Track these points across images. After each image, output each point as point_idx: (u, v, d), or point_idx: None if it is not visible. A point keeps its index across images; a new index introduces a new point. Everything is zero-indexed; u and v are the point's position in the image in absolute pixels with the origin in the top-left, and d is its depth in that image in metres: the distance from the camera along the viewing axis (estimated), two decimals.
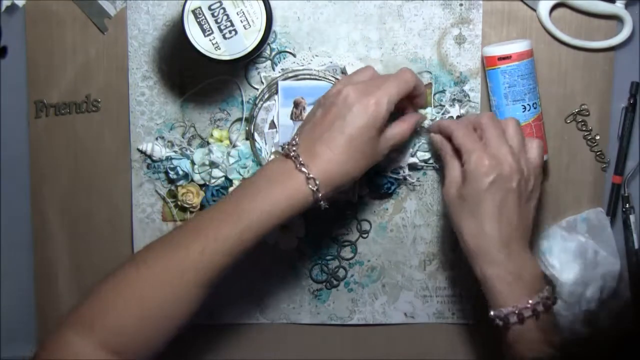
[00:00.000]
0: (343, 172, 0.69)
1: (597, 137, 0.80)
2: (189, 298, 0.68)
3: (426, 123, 0.79)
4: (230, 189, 0.80)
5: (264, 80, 0.80)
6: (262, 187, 0.68)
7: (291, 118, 0.79)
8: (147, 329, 0.67)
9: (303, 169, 0.67)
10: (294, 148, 0.69)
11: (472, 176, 0.69)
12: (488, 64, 0.77)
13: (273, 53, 0.80)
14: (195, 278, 0.67)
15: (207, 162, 0.79)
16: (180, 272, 0.67)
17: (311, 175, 0.67)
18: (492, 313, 0.68)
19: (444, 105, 0.79)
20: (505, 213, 0.69)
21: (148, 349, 0.68)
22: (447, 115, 0.79)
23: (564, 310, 0.77)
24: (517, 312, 0.66)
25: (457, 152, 0.73)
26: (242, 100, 0.80)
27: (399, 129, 0.73)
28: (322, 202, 0.68)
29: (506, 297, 0.67)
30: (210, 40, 0.72)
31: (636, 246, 0.82)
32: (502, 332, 0.69)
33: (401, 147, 0.79)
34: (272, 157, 0.79)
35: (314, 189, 0.67)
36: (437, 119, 0.79)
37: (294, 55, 0.80)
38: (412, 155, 0.79)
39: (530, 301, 0.67)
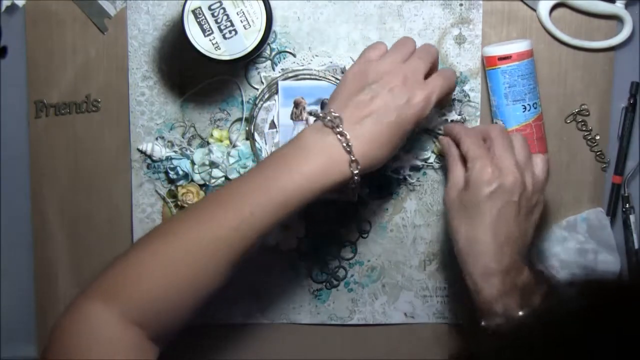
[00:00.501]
0: (379, 156, 0.68)
1: (597, 137, 0.80)
2: (219, 273, 0.66)
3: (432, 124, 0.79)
4: None
5: (264, 80, 0.80)
6: (300, 161, 0.66)
7: (291, 118, 0.79)
8: (173, 303, 0.65)
9: (349, 150, 0.66)
10: (340, 123, 0.66)
11: (474, 183, 0.69)
12: (488, 64, 0.77)
13: (273, 53, 0.80)
14: (228, 254, 0.65)
15: (207, 162, 0.79)
16: (212, 247, 0.65)
17: (354, 158, 0.66)
18: (483, 323, 0.67)
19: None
20: (502, 223, 0.69)
21: (173, 323, 0.66)
22: (445, 117, 0.79)
23: None
24: (507, 322, 0.65)
25: (463, 158, 0.73)
26: (242, 100, 0.80)
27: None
28: (353, 184, 0.67)
29: (496, 306, 0.67)
30: (210, 40, 0.72)
31: (636, 246, 0.82)
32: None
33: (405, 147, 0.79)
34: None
35: (355, 172, 0.66)
36: (437, 119, 0.79)
37: (294, 55, 0.80)
38: (415, 157, 0.79)
39: (521, 313, 0.66)
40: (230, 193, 0.68)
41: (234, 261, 0.66)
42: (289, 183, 0.65)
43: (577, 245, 0.80)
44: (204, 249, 0.65)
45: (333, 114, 0.67)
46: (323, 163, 0.66)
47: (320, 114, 0.68)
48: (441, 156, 0.80)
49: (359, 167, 0.66)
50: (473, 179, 0.70)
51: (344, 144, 0.66)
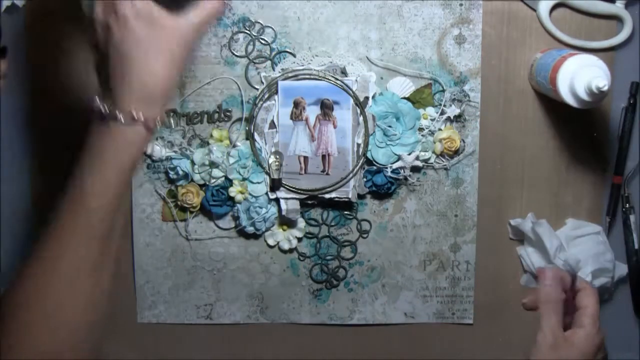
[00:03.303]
0: (162, 76, 0.59)
1: (597, 137, 0.80)
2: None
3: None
4: (230, 189, 0.80)
5: (264, 80, 0.80)
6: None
7: (291, 118, 0.79)
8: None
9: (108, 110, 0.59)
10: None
11: (586, 340, 0.66)
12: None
13: (273, 53, 0.80)
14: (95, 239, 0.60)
15: (207, 162, 0.79)
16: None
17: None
18: None
19: (444, 106, 0.79)
20: None
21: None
22: (445, 116, 0.79)
23: None
24: None
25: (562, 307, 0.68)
26: (242, 100, 0.80)
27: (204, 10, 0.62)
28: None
29: None
30: None
31: (636, 246, 0.82)
32: None
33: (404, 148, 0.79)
34: (271, 157, 0.79)
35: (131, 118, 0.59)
36: (436, 118, 0.79)
37: (294, 55, 0.80)
38: (415, 157, 0.79)
39: None
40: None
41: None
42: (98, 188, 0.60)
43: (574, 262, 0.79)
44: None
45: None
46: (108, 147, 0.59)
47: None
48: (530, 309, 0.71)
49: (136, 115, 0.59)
50: (585, 336, 0.66)
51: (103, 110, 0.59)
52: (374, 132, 0.79)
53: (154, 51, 0.59)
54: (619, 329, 0.84)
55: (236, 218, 0.81)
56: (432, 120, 0.79)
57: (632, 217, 0.82)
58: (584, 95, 0.69)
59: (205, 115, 0.80)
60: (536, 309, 0.67)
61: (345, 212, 0.82)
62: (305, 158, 0.80)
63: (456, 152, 0.80)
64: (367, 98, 0.79)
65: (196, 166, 0.80)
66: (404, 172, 0.80)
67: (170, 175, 0.81)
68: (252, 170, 0.80)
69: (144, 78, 0.59)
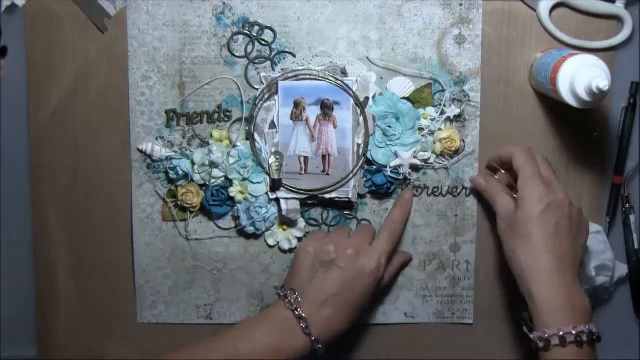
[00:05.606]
0: (344, 330, 0.74)
1: (597, 137, 0.80)
2: None
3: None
4: (230, 189, 0.80)
5: (264, 80, 0.80)
6: (263, 333, 0.72)
7: (291, 118, 0.79)
8: None
9: (308, 332, 0.72)
10: (298, 308, 0.72)
11: (528, 201, 0.70)
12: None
13: (273, 53, 0.79)
14: None
15: (207, 162, 0.79)
16: None
17: (314, 338, 0.72)
18: (534, 334, 0.67)
19: (444, 106, 0.79)
20: (558, 238, 0.69)
21: None
22: (445, 116, 0.79)
23: None
24: (560, 335, 0.65)
25: (505, 185, 0.76)
26: (242, 100, 0.80)
27: (388, 274, 0.79)
28: (318, 353, 0.73)
29: (553, 318, 0.67)
30: None
31: (636, 246, 0.82)
32: (541, 356, 0.67)
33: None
34: (271, 158, 0.79)
35: (317, 347, 0.72)
36: (436, 118, 0.79)
37: (294, 55, 0.80)
38: (415, 157, 0.79)
39: (575, 329, 0.66)
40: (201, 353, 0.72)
41: None
42: (253, 351, 0.71)
43: None
44: None
45: (292, 295, 0.73)
46: (284, 338, 0.72)
47: (281, 293, 0.74)
48: (475, 191, 0.81)
49: (319, 344, 0.72)
50: (526, 197, 0.70)
51: (303, 326, 0.72)
52: (374, 132, 0.79)
53: None
54: (619, 329, 0.84)
55: (236, 218, 0.81)
56: (432, 120, 0.80)
57: (632, 217, 0.82)
58: (584, 95, 0.69)
59: (205, 115, 0.81)
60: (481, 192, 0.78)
61: (346, 212, 0.82)
62: (306, 158, 0.80)
63: (456, 152, 0.80)
64: (367, 98, 0.79)
65: (196, 166, 0.80)
66: (402, 169, 0.80)
67: (170, 175, 0.81)
68: (252, 171, 0.80)
69: None
